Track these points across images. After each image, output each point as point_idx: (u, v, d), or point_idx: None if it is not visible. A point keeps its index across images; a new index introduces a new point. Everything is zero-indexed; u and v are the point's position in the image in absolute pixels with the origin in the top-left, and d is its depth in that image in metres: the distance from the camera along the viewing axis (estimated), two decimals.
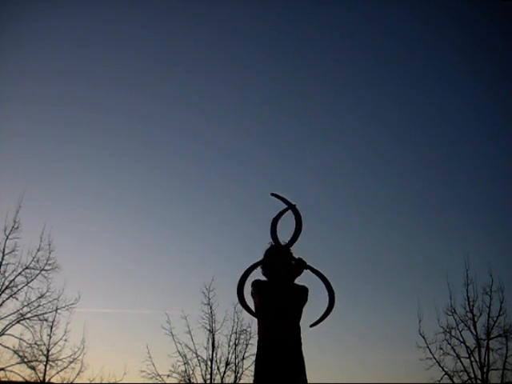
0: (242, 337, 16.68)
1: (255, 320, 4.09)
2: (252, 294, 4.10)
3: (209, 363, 16.39)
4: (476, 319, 16.62)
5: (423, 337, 16.73)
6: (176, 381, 16.26)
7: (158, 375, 16.06)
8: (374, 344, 22.00)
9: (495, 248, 22.27)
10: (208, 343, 16.47)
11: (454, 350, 16.56)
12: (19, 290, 15.79)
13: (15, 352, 15.60)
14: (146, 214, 25.18)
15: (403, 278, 22.61)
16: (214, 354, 16.45)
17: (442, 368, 16.47)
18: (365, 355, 21.32)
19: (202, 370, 16.36)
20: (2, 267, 15.70)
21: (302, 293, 4.04)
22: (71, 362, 16.19)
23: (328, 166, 24.59)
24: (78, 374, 16.24)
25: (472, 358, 16.45)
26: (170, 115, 24.70)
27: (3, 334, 15.51)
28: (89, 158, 24.36)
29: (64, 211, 22.65)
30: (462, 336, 16.67)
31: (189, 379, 16.25)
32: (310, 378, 3.83)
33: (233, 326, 16.67)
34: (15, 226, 15.99)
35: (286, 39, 24.50)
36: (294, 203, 4.45)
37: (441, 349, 16.58)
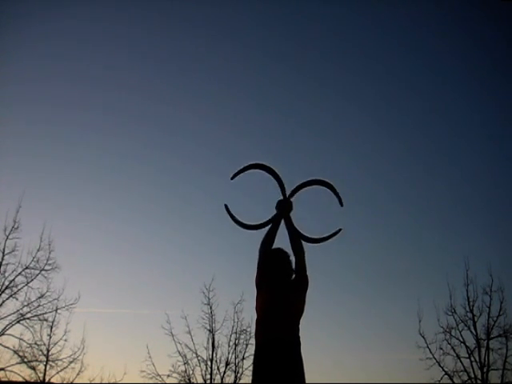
0: (242, 337, 16.72)
1: (255, 320, 4.07)
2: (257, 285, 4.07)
3: (209, 363, 16.42)
4: (476, 319, 16.68)
5: (423, 337, 16.79)
6: (176, 381, 16.30)
7: (158, 375, 16.11)
8: (374, 344, 22.04)
9: (495, 248, 22.30)
10: (208, 343, 16.51)
11: (454, 350, 16.61)
12: (19, 290, 15.82)
13: (15, 352, 15.63)
14: (146, 214, 25.22)
15: (403, 277, 22.63)
16: (214, 354, 16.48)
17: (442, 368, 16.52)
18: (365, 355, 21.35)
19: (202, 370, 16.39)
20: (1, 267, 15.72)
21: (302, 286, 4.02)
22: (71, 362, 16.26)
23: (327, 166, 24.57)
24: (78, 374, 16.30)
25: (472, 358, 16.48)
26: (171, 116, 24.71)
27: (3, 334, 15.52)
28: (89, 158, 24.40)
29: (64, 211, 22.67)
30: (461, 336, 16.73)
31: (189, 379, 16.26)
32: (309, 378, 3.82)
33: (233, 326, 16.71)
34: (15, 226, 16.00)
35: (286, 40, 24.52)
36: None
37: (441, 349, 16.63)
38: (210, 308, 16.75)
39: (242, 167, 4.46)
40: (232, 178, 4.48)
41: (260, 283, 4.06)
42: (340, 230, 4.33)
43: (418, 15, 21.71)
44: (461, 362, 16.50)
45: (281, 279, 4.01)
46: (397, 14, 21.86)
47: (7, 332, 15.57)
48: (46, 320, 16.15)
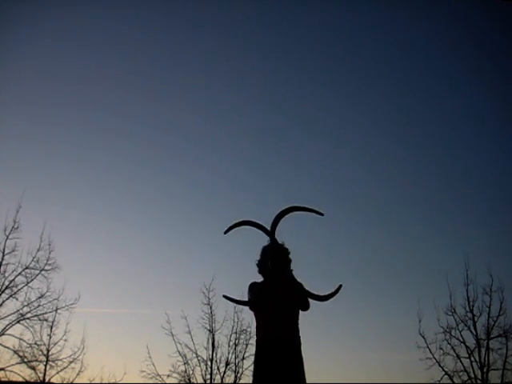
0: (242, 337, 16.71)
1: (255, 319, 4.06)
2: (248, 296, 4.07)
3: (209, 363, 16.42)
4: (476, 319, 16.66)
5: (423, 337, 16.76)
6: (176, 381, 16.30)
7: (158, 375, 16.10)
8: (374, 344, 22.02)
9: (495, 248, 22.27)
10: (208, 343, 16.52)
11: (454, 350, 16.59)
12: (19, 290, 15.82)
13: (15, 352, 15.62)
14: (147, 214, 25.20)
15: (403, 278, 22.63)
16: (214, 354, 16.48)
17: (442, 368, 16.50)
18: (365, 355, 21.34)
19: (202, 370, 16.40)
20: (1, 267, 15.73)
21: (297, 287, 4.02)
22: (71, 362, 16.26)
23: (328, 166, 24.60)
24: (78, 374, 16.30)
25: (472, 358, 16.46)
26: (171, 116, 24.70)
27: (3, 334, 15.52)
28: (88, 158, 24.38)
29: (64, 211, 22.66)
30: (461, 336, 16.71)
31: (189, 379, 16.26)
32: (309, 378, 3.83)
33: (233, 326, 16.71)
34: (15, 226, 16.00)
35: (287, 42, 24.52)
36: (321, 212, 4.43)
37: (441, 349, 16.61)
38: (210, 308, 16.77)
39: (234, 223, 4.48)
40: (225, 233, 4.50)
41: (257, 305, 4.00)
42: (341, 285, 4.30)
43: (418, 14, 21.72)
44: (461, 361, 16.51)
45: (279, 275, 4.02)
46: (396, 14, 21.88)
47: (7, 332, 15.59)
48: (46, 320, 16.16)
